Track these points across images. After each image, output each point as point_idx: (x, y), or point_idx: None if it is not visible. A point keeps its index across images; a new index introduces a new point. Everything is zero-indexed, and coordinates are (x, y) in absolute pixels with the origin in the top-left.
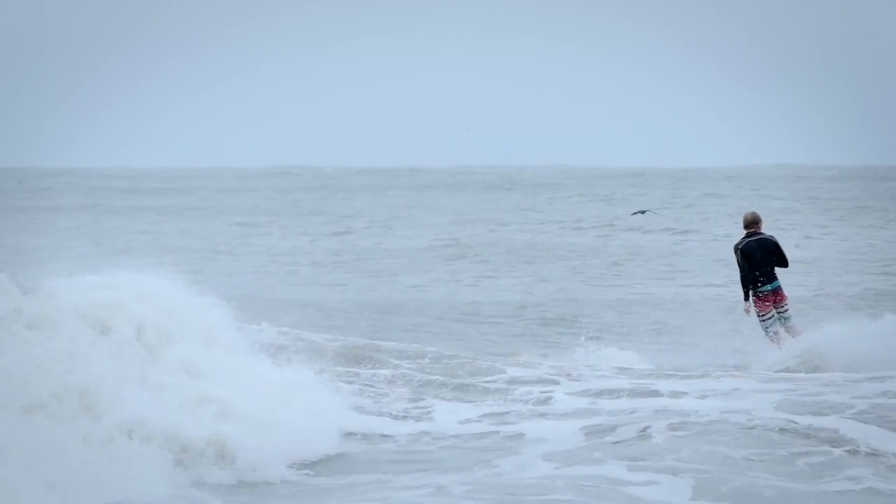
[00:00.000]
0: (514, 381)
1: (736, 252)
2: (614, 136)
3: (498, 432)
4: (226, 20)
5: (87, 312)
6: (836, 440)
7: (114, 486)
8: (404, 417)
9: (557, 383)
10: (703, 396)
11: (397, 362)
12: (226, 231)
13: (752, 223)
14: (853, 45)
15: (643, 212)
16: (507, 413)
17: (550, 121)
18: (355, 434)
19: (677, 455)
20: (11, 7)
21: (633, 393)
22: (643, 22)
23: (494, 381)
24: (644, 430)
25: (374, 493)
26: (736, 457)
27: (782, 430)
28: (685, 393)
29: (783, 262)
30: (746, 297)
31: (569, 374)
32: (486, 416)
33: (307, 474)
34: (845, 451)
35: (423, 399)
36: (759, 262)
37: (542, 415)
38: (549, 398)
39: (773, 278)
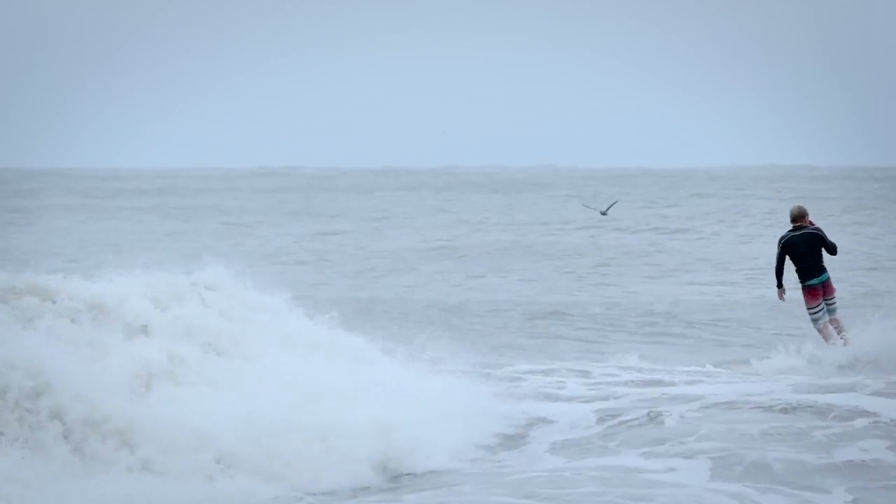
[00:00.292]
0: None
1: (778, 244)
2: (602, 137)
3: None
4: (218, 24)
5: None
6: (856, 414)
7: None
8: None
9: (576, 375)
10: (717, 383)
11: None
12: (212, 231)
13: (798, 217)
14: (842, 45)
15: (605, 211)
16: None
17: (538, 121)
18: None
19: (696, 434)
20: (11, 7)
21: (645, 383)
22: (634, 21)
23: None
24: (660, 412)
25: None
26: (753, 433)
27: (801, 407)
28: (699, 381)
29: (830, 250)
30: (779, 286)
31: (583, 372)
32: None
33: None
34: (868, 422)
35: None
36: (804, 255)
37: (556, 399)
38: (564, 386)
39: (822, 271)
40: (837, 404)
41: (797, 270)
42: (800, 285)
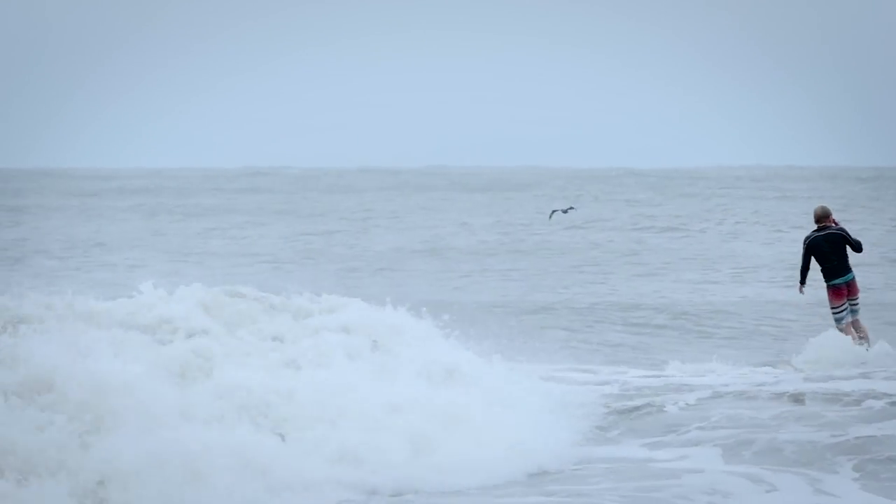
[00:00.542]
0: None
1: (803, 245)
2: (601, 137)
3: None
4: (218, 24)
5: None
6: (872, 396)
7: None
8: None
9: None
10: (727, 373)
11: None
12: (195, 232)
13: (822, 217)
14: (842, 45)
15: (566, 210)
16: None
17: (538, 121)
18: None
19: (706, 421)
20: (11, 7)
21: (653, 375)
22: (634, 21)
23: None
24: (669, 401)
25: None
26: (763, 417)
27: (814, 394)
28: (711, 371)
29: (855, 248)
30: (802, 282)
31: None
32: None
33: None
34: (884, 403)
35: None
36: (828, 255)
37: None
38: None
39: (847, 271)
40: (850, 389)
41: (822, 270)
42: (824, 285)
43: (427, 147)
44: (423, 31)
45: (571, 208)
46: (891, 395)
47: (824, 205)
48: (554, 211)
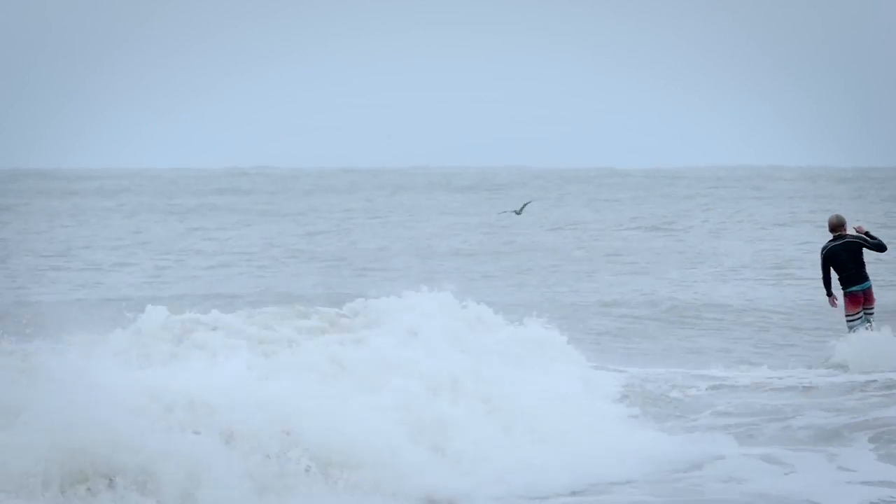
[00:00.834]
0: None
1: (821, 255)
2: (600, 137)
3: None
4: (219, 24)
5: None
6: (891, 384)
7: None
8: None
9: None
10: (741, 367)
11: None
12: (177, 232)
13: (837, 226)
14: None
15: (519, 211)
16: None
17: (536, 120)
18: None
19: (718, 408)
20: (11, 7)
21: (669, 371)
22: (633, 21)
23: None
24: (685, 390)
25: None
26: (778, 404)
27: (833, 385)
28: (721, 364)
29: (878, 249)
30: (829, 294)
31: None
32: None
33: None
34: None
35: None
36: (845, 263)
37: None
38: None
39: (865, 279)
40: (864, 380)
41: (840, 279)
42: (842, 292)
43: (416, 148)
44: (412, 33)
45: (526, 204)
46: None
47: (839, 213)
48: (503, 212)
